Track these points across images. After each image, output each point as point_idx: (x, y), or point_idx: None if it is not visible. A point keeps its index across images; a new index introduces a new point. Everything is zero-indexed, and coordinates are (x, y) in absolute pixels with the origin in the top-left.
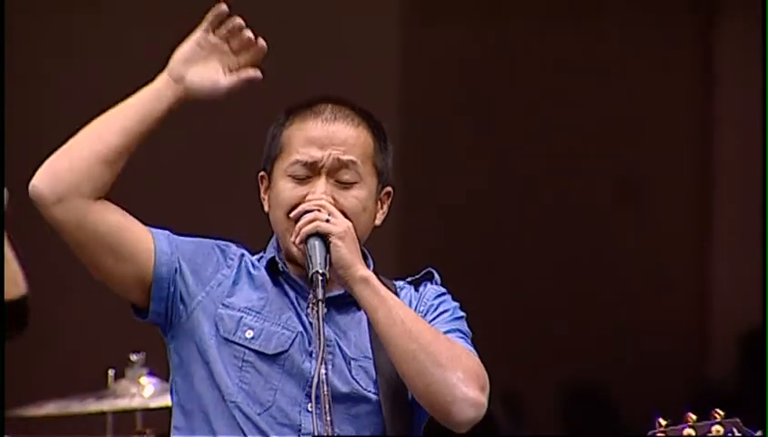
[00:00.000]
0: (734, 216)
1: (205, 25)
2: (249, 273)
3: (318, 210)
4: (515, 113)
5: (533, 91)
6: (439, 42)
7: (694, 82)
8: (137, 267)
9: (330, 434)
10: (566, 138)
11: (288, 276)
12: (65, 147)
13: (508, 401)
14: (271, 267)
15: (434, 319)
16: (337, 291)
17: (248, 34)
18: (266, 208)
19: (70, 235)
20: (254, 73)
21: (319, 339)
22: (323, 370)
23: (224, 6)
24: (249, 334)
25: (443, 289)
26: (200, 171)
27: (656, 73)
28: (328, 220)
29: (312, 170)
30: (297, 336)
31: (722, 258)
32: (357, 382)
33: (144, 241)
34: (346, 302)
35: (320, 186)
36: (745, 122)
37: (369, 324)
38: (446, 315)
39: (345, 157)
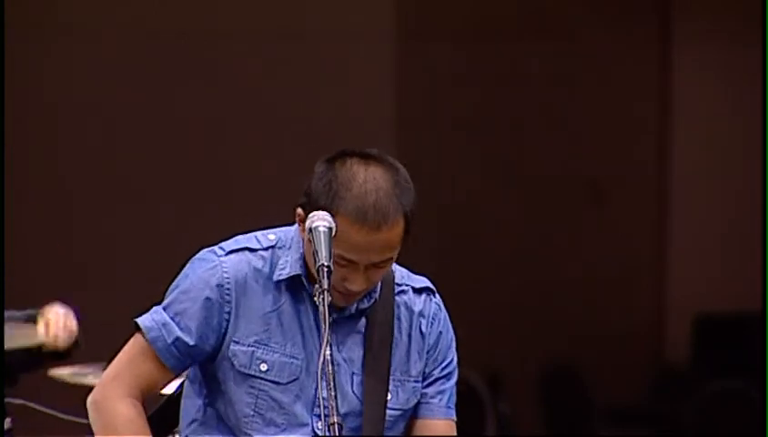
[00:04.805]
0: (690, 216)
1: None
2: (251, 291)
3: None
4: (499, 122)
5: (513, 101)
6: (432, 56)
7: (655, 94)
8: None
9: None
10: (544, 146)
11: (311, 295)
12: None
13: (491, 378)
14: (293, 281)
15: (439, 379)
16: (348, 312)
17: None
18: (299, 230)
19: None
20: None
21: (324, 324)
22: (327, 352)
23: None
24: (264, 367)
25: (449, 325)
26: (210, 176)
27: (621, 86)
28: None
29: (351, 262)
30: (303, 362)
31: (679, 253)
32: (356, 397)
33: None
34: (352, 318)
35: (358, 280)
36: (703, 126)
37: (365, 336)
38: (450, 385)
39: (382, 259)
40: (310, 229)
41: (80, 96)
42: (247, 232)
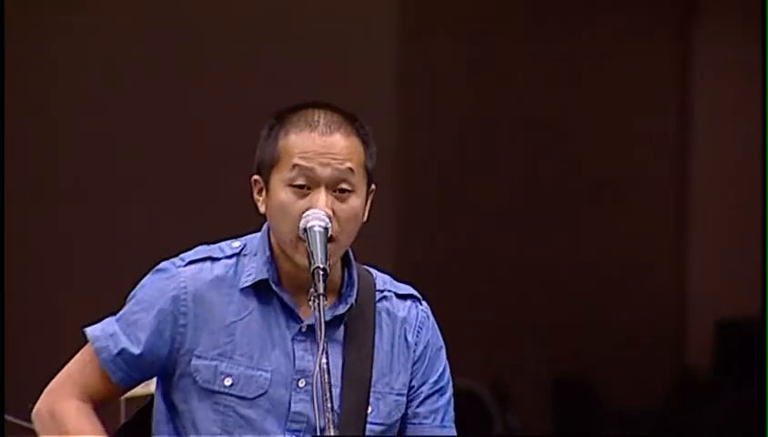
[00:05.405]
0: (710, 214)
1: None
2: (209, 301)
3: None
4: (503, 117)
5: (520, 97)
6: (435, 50)
7: (672, 86)
8: None
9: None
10: (551, 143)
11: (281, 300)
12: None
13: (497, 388)
14: (260, 287)
15: (430, 396)
16: (328, 315)
17: None
18: (261, 210)
19: None
20: None
21: (320, 329)
22: (323, 360)
23: None
24: (228, 382)
25: (439, 334)
26: (197, 172)
27: (634, 78)
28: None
29: (311, 181)
30: (271, 374)
31: (699, 253)
32: (333, 412)
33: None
34: (329, 326)
35: (322, 200)
36: (722, 125)
37: (344, 346)
38: (444, 402)
39: (343, 167)
40: (305, 229)
41: (80, 96)
42: (218, 241)
